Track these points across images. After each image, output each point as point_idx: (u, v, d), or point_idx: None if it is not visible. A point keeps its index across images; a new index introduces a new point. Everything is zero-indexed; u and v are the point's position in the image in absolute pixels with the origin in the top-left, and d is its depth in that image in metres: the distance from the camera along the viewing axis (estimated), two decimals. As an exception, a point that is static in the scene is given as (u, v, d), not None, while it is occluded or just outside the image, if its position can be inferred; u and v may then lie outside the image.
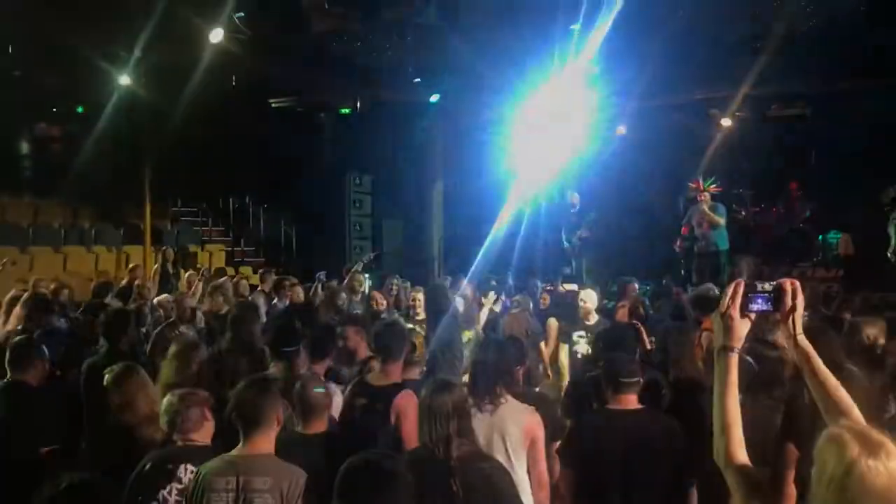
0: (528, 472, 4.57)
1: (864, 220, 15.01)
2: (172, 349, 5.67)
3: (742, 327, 2.62)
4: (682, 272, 14.39)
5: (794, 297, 2.61)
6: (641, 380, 4.69)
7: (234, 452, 3.83)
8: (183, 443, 4.18)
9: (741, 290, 2.62)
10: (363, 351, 6.08)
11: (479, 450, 4.01)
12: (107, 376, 4.88)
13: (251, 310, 7.00)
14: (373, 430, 4.72)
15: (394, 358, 5.05)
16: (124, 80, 13.25)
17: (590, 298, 8.34)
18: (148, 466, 4.05)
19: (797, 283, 2.64)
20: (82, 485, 3.01)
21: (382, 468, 2.51)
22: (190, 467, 3.99)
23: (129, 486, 3.98)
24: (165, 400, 4.30)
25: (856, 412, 2.56)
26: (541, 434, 4.57)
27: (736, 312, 2.60)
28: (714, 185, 14.11)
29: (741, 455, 2.55)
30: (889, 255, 12.74)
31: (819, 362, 2.62)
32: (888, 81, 13.28)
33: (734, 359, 2.60)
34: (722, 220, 13.19)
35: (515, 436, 4.50)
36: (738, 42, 11.95)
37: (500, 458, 4.30)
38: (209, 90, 16.59)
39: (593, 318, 8.18)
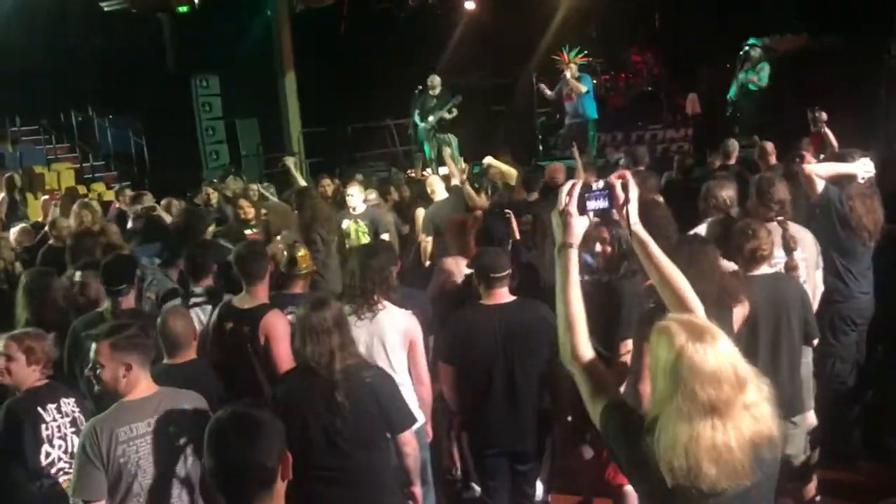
0: (409, 372, 4.67)
1: (710, 79, 15.50)
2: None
3: (580, 225, 2.68)
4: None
5: (625, 190, 2.70)
6: (511, 271, 4.78)
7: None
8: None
9: (577, 189, 2.68)
10: None
11: (362, 359, 4.03)
12: None
13: None
14: (243, 354, 4.68)
15: (257, 279, 4.93)
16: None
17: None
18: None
19: (627, 175, 2.72)
20: None
21: (252, 419, 2.44)
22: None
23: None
24: None
25: (694, 303, 2.70)
26: (419, 335, 4.67)
27: (573, 209, 2.67)
28: (581, 56, 14.19)
29: (587, 351, 2.61)
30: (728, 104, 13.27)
31: (654, 248, 2.73)
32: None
33: (573, 255, 2.68)
34: (584, 89, 13.24)
35: (395, 341, 4.58)
36: None
37: (382, 363, 4.38)
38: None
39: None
